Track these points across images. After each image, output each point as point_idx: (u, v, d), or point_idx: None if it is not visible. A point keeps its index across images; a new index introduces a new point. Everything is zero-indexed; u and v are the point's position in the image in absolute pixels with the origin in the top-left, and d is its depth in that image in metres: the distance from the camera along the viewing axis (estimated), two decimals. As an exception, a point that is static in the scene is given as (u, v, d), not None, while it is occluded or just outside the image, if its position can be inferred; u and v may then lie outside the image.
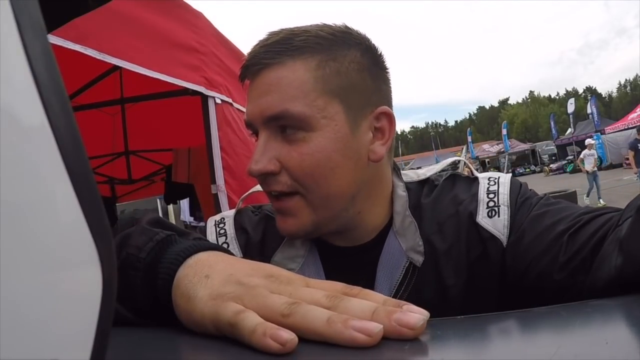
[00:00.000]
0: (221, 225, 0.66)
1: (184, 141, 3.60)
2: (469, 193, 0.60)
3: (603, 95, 76.22)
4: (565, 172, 21.78)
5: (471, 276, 0.57)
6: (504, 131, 29.84)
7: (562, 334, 0.29)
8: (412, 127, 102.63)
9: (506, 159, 26.98)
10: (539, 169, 27.04)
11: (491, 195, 0.58)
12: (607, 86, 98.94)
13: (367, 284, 0.55)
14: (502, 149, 29.27)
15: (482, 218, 0.57)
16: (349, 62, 0.55)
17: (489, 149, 32.67)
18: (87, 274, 0.19)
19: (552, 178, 20.39)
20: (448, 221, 0.58)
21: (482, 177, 0.62)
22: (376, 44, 0.60)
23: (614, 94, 77.47)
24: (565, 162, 22.49)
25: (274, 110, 0.52)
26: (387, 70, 0.61)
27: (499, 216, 0.56)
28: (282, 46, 0.53)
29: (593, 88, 78.97)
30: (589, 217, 0.50)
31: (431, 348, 0.29)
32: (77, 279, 0.19)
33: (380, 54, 0.60)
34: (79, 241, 0.19)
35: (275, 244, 0.62)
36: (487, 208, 0.57)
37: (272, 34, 0.55)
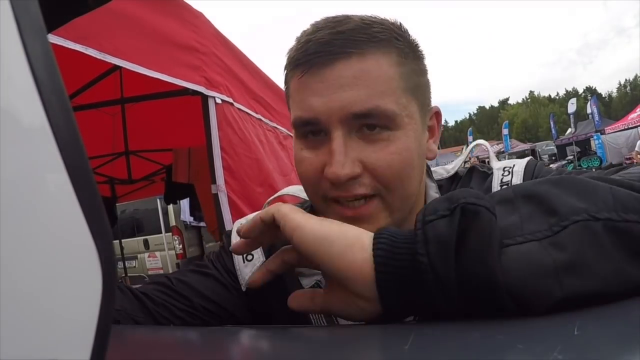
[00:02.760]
0: None
1: (184, 141, 3.60)
2: (483, 187, 0.59)
3: (603, 95, 76.20)
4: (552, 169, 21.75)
5: None
6: (505, 131, 29.83)
7: (562, 334, 0.29)
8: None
9: (506, 159, 26.93)
10: (539, 169, 26.99)
11: (504, 187, 0.56)
12: (607, 86, 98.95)
13: None
14: (503, 149, 29.26)
15: None
16: (416, 61, 0.53)
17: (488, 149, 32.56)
18: (87, 274, 0.19)
19: (552, 178, 20.36)
20: None
21: (497, 167, 0.60)
22: None
23: (614, 94, 77.48)
24: (566, 162, 22.50)
25: (363, 107, 0.47)
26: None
27: None
28: (362, 35, 0.48)
29: (593, 88, 78.90)
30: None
31: (431, 348, 0.29)
32: (77, 279, 0.19)
33: (424, 54, 0.58)
34: (79, 241, 0.19)
35: None
36: None
37: (338, 21, 0.49)
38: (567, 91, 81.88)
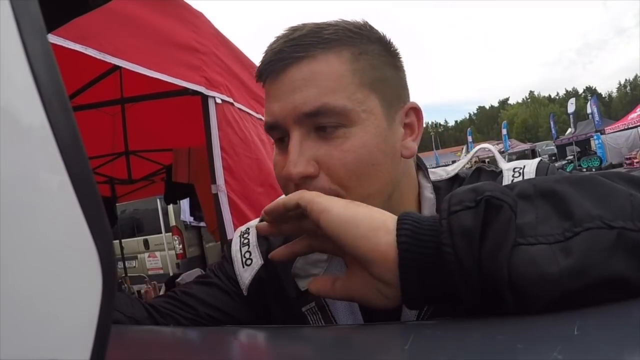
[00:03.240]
0: (245, 235, 0.66)
1: (184, 141, 3.60)
2: None
3: (603, 95, 76.19)
4: (565, 172, 21.76)
5: None
6: (504, 131, 29.83)
7: (562, 334, 0.29)
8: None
9: (506, 158, 26.94)
10: (539, 169, 26.98)
11: (524, 180, 0.56)
12: (606, 86, 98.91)
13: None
14: (502, 149, 29.26)
15: None
16: (379, 56, 0.53)
17: (488, 148, 32.59)
18: (87, 274, 0.19)
19: (552, 178, 20.35)
20: None
21: (507, 168, 0.59)
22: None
23: (614, 94, 77.45)
24: (565, 162, 22.49)
25: (312, 105, 0.48)
26: (403, 64, 0.59)
27: None
28: (311, 39, 0.49)
29: (593, 88, 78.93)
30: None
31: (431, 348, 0.30)
32: (77, 279, 0.19)
33: (396, 47, 0.58)
34: (79, 241, 0.19)
35: None
36: None
37: (293, 29, 0.52)
38: (567, 91, 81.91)
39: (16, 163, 0.17)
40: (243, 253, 0.64)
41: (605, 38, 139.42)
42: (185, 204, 6.13)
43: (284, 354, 0.37)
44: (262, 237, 0.64)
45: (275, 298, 0.61)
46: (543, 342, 0.27)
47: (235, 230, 0.71)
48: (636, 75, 72.63)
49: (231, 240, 0.69)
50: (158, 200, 7.10)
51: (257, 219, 0.69)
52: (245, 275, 0.63)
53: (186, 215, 6.75)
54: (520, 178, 0.56)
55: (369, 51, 0.52)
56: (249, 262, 0.63)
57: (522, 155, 30.72)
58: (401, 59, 0.58)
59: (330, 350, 0.31)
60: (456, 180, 0.62)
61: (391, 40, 0.56)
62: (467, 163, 0.65)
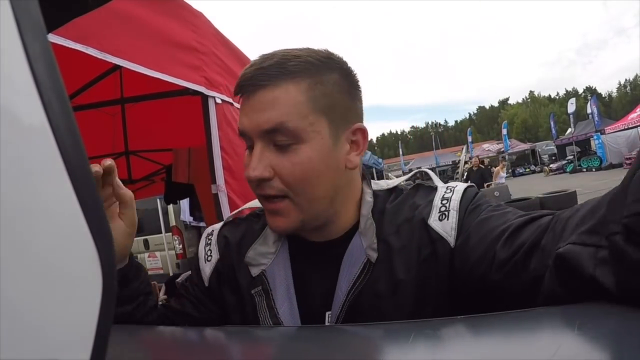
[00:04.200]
0: (209, 236, 0.78)
1: (184, 141, 3.59)
2: (426, 200, 0.67)
3: (603, 95, 76.17)
4: (565, 172, 21.77)
5: (421, 273, 0.62)
6: (504, 131, 29.85)
7: (562, 334, 0.29)
8: (412, 127, 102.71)
9: (506, 158, 26.99)
10: (539, 169, 27.04)
11: (444, 202, 0.65)
12: (606, 86, 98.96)
13: (331, 276, 0.65)
14: (502, 149, 29.28)
15: (433, 221, 0.63)
16: (333, 85, 0.63)
17: (489, 148, 32.68)
18: (87, 274, 0.19)
19: (552, 178, 20.38)
20: (405, 224, 0.65)
21: (442, 186, 0.69)
22: (351, 67, 0.68)
23: (614, 94, 77.43)
24: (565, 162, 22.48)
25: (271, 124, 0.59)
26: (360, 90, 0.69)
27: (447, 219, 0.62)
28: (276, 70, 0.60)
29: (593, 88, 78.88)
30: (527, 218, 0.54)
31: (431, 348, 0.30)
32: (77, 279, 0.19)
33: (355, 75, 0.68)
34: (79, 241, 0.19)
35: (252, 241, 0.71)
36: (438, 212, 0.64)
37: (265, 58, 0.62)
38: (567, 91, 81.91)
39: (16, 163, 0.17)
40: (206, 251, 0.77)
41: (605, 38, 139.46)
42: (185, 204, 6.13)
43: (285, 353, 0.37)
44: (221, 236, 0.76)
45: (230, 285, 0.72)
46: (543, 341, 0.27)
47: None
48: (636, 75, 72.65)
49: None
50: (158, 200, 7.10)
51: (221, 223, 0.80)
52: (207, 269, 0.75)
53: (186, 215, 6.75)
54: (451, 194, 0.65)
55: (324, 81, 0.62)
56: (209, 258, 0.76)
57: (522, 155, 30.74)
58: (357, 83, 0.68)
59: (332, 350, 0.31)
60: (394, 190, 0.72)
61: (350, 69, 0.67)
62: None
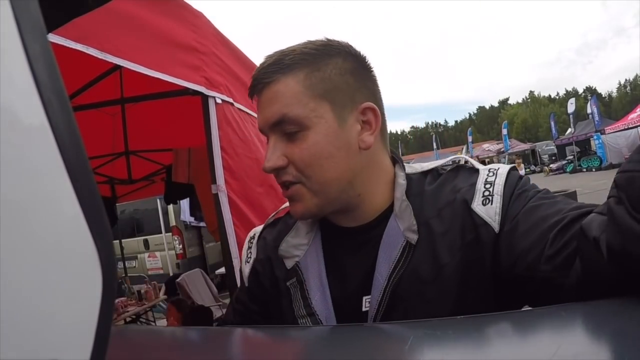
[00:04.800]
0: (252, 240, 0.82)
1: (184, 141, 3.59)
2: (468, 183, 0.65)
3: (603, 95, 76.15)
4: (565, 172, 21.76)
5: (464, 258, 0.61)
6: (504, 131, 29.84)
7: (562, 334, 0.29)
8: (412, 127, 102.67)
9: (506, 158, 26.98)
10: (539, 169, 27.03)
11: (487, 186, 0.63)
12: (606, 86, 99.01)
13: (367, 260, 0.65)
14: (502, 149, 29.28)
15: (476, 205, 0.62)
16: (331, 69, 0.64)
17: (489, 148, 32.69)
18: (87, 274, 0.19)
19: (552, 178, 20.36)
20: (446, 207, 0.64)
21: (483, 168, 0.67)
22: (358, 49, 0.69)
23: (614, 94, 77.41)
24: (565, 162, 22.46)
25: (275, 117, 0.63)
26: (372, 70, 0.70)
27: (491, 204, 0.61)
28: (274, 67, 0.64)
29: (593, 88, 78.85)
30: (579, 212, 0.53)
31: (431, 348, 0.29)
32: (77, 279, 0.19)
33: (364, 56, 0.69)
34: (79, 241, 0.19)
35: (286, 235, 0.74)
36: (482, 197, 0.63)
37: (267, 58, 0.66)
38: (567, 91, 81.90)
39: (16, 163, 0.17)
40: (247, 254, 0.81)
41: (604, 38, 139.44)
42: (185, 204, 6.14)
43: (285, 353, 0.37)
44: (261, 238, 0.80)
45: (268, 279, 0.75)
46: (543, 341, 0.27)
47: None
48: (636, 75, 72.64)
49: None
50: (158, 200, 7.11)
51: (262, 226, 0.83)
52: (246, 270, 0.80)
53: (186, 215, 6.75)
54: (494, 177, 0.64)
55: (321, 68, 0.64)
56: (248, 259, 0.80)
57: (522, 155, 30.71)
58: (366, 64, 0.69)
59: (332, 350, 0.31)
60: (430, 172, 0.71)
61: (354, 51, 0.68)
62: (445, 164, 0.73)
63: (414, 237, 0.63)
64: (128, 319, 4.19)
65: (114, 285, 0.20)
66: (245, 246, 0.83)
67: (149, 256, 7.77)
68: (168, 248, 7.53)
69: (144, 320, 4.81)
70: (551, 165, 24.45)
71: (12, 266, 0.17)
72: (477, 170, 0.67)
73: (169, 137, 3.63)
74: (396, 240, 0.64)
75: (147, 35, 1.75)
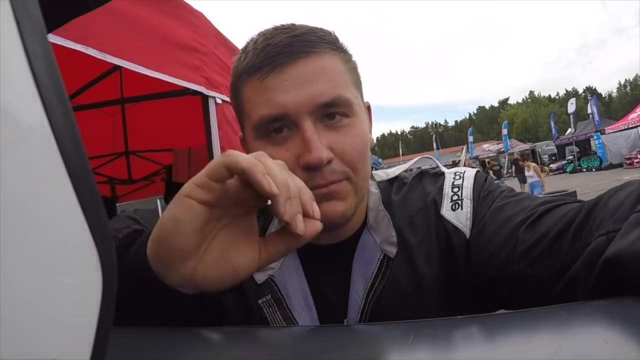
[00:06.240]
0: None
1: (184, 141, 3.60)
2: (436, 186, 0.62)
3: (603, 95, 76.14)
4: (565, 172, 21.77)
5: (443, 267, 0.58)
6: (504, 131, 29.83)
7: (562, 334, 0.29)
8: (412, 127, 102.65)
9: (506, 158, 26.99)
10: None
11: (455, 189, 0.60)
12: (606, 86, 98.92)
13: (343, 280, 0.59)
14: (502, 149, 29.27)
15: (446, 211, 0.59)
16: (354, 62, 0.59)
17: (489, 148, 32.69)
18: (87, 274, 0.19)
19: (552, 178, 20.36)
20: (417, 214, 0.61)
21: (448, 172, 0.64)
22: None
23: (614, 94, 77.41)
24: (565, 162, 22.47)
25: (328, 97, 0.52)
26: None
27: (462, 209, 0.59)
28: (316, 37, 0.54)
29: (593, 88, 78.83)
30: (548, 207, 0.51)
31: (431, 348, 0.29)
32: (77, 279, 0.19)
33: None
34: (79, 241, 0.19)
35: None
36: (451, 202, 0.60)
37: (287, 27, 0.55)
38: (567, 91, 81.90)
39: (16, 163, 0.17)
40: None
41: (604, 38, 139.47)
42: (185, 204, 6.12)
43: (285, 353, 0.37)
44: None
45: (234, 291, 0.61)
46: (543, 341, 0.27)
47: None
48: (636, 75, 72.64)
49: None
50: (158, 200, 7.10)
51: None
52: None
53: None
54: (461, 181, 0.61)
55: (348, 55, 0.58)
56: None
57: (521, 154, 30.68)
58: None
59: (331, 350, 0.31)
60: (395, 180, 0.67)
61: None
62: (408, 169, 0.70)
63: (392, 250, 0.59)
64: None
65: (114, 285, 0.20)
66: None
67: (149, 256, 7.76)
68: (168, 248, 7.51)
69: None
70: (551, 166, 24.46)
71: (11, 266, 0.17)
72: (442, 174, 0.64)
73: (169, 137, 3.63)
74: (372, 255, 0.59)
75: (147, 35, 1.75)
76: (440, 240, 0.59)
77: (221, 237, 0.43)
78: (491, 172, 12.36)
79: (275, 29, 0.56)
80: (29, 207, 0.18)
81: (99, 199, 0.20)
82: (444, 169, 0.66)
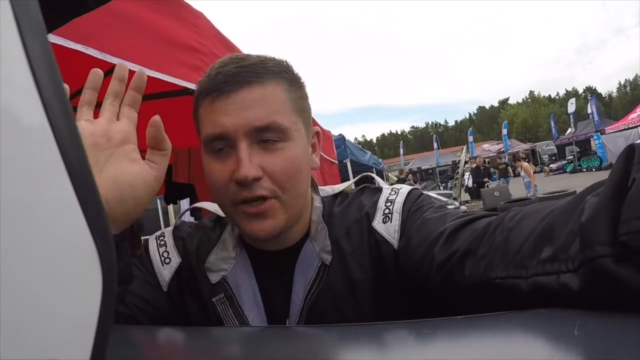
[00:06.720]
0: (161, 237, 0.74)
1: (184, 141, 3.59)
2: (372, 200, 0.69)
3: (603, 95, 76.19)
4: (565, 172, 21.77)
5: (375, 273, 0.64)
6: (504, 131, 29.85)
7: (563, 334, 0.29)
8: (412, 127, 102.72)
9: (506, 158, 27.00)
10: (539, 169, 27.04)
11: (388, 204, 0.66)
12: (606, 86, 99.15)
13: (287, 284, 0.66)
14: (502, 149, 29.29)
15: (377, 223, 0.65)
16: (298, 89, 0.65)
17: (489, 148, 32.71)
18: (87, 274, 0.19)
19: (552, 178, 20.37)
20: (354, 225, 0.67)
21: (386, 187, 0.71)
22: None
23: (614, 94, 77.46)
24: (565, 162, 22.47)
25: (263, 122, 0.59)
26: None
27: (391, 222, 0.64)
28: (261, 68, 0.60)
29: (593, 88, 78.87)
30: (462, 221, 0.55)
31: (431, 348, 0.30)
32: (77, 279, 0.19)
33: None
34: (79, 241, 0.19)
35: (210, 248, 0.70)
36: (382, 215, 0.66)
37: (239, 58, 0.62)
38: (567, 91, 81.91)
39: (16, 163, 0.17)
40: (161, 253, 0.72)
41: (604, 38, 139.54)
42: (185, 204, 6.13)
43: (284, 353, 0.37)
44: (178, 239, 0.73)
45: (191, 291, 0.69)
46: (542, 341, 0.27)
47: None
48: (636, 75, 72.67)
49: (147, 239, 0.75)
50: (158, 200, 7.10)
51: (170, 227, 0.77)
52: (165, 272, 0.70)
53: (186, 215, 6.74)
54: (395, 196, 0.67)
55: (295, 85, 0.64)
56: (167, 260, 0.71)
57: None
58: (306, 92, 0.70)
59: (330, 350, 0.31)
60: (340, 195, 0.74)
61: (300, 77, 0.68)
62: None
63: (328, 258, 0.65)
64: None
65: (114, 285, 0.20)
66: (154, 244, 0.73)
67: (149, 256, 7.77)
68: (168, 248, 7.52)
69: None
70: (551, 165, 24.48)
71: (12, 266, 0.17)
72: (380, 189, 0.70)
73: (169, 137, 3.62)
74: (311, 262, 0.66)
75: (147, 35, 1.75)
76: (372, 250, 0.65)
77: (111, 161, 0.53)
78: (496, 171, 12.34)
79: (230, 58, 0.63)
80: (29, 207, 0.18)
81: (99, 199, 0.20)
82: (384, 185, 0.73)
